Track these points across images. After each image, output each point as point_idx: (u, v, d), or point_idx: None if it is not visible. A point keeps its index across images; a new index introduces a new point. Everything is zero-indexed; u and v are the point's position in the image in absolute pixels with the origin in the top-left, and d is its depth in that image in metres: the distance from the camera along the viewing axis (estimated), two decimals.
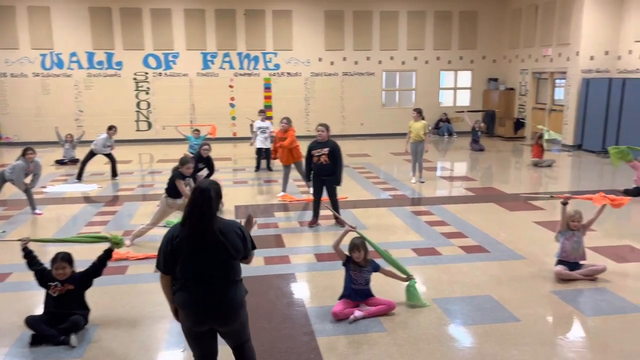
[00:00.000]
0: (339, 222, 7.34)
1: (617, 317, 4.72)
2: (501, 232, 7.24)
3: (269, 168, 11.90)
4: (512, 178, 11.80)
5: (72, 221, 7.92)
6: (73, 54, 16.27)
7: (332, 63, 17.49)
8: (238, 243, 3.22)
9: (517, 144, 16.06)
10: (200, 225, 3.07)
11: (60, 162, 12.86)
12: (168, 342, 4.38)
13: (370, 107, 17.86)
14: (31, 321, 4.35)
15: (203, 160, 8.44)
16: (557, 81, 16.01)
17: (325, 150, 7.24)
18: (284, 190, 9.62)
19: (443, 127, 17.90)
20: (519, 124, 17.14)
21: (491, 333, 4.45)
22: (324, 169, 7.29)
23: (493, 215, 8.15)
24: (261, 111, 12.17)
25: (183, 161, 6.76)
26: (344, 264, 4.89)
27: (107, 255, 4.71)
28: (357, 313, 4.68)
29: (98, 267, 4.65)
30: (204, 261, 3.11)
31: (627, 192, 9.26)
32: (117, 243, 4.78)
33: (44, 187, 10.26)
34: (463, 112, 16.95)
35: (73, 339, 4.27)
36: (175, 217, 7.79)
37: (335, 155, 7.27)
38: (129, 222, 7.93)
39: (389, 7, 17.41)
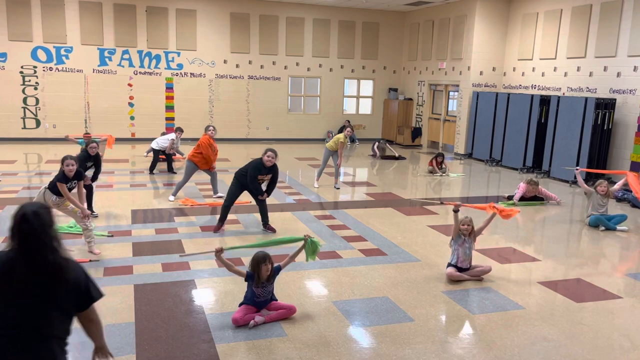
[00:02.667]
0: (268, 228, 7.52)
1: (500, 314, 5.10)
2: (398, 235, 7.56)
3: (171, 170, 11.59)
4: (409, 184, 12.37)
5: None
6: None
7: (237, 66, 17.32)
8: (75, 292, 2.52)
9: (414, 152, 16.87)
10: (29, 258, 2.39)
11: None
12: None
13: (276, 111, 17.90)
14: None
15: (91, 159, 8.06)
16: (451, 93, 17.06)
17: (269, 176, 7.39)
18: (174, 194, 9.28)
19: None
20: (416, 133, 18.03)
21: (387, 333, 4.62)
22: (257, 187, 7.40)
23: (391, 219, 8.49)
24: (178, 129, 12.14)
25: (63, 159, 6.38)
26: (245, 280, 4.78)
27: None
28: (258, 318, 4.65)
29: None
30: (23, 308, 2.38)
31: (510, 198, 10.07)
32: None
33: None
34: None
35: None
36: (66, 223, 7.30)
37: (274, 179, 7.46)
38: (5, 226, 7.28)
39: (295, 13, 17.59)
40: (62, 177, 6.25)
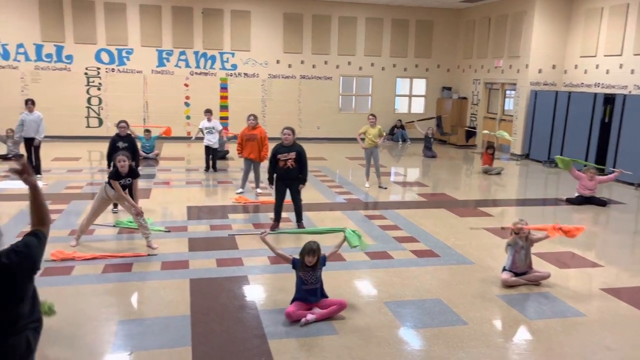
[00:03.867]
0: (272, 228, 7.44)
1: (559, 321, 4.91)
2: (451, 237, 7.41)
3: (214, 168, 11.77)
4: (462, 185, 12.11)
5: (14, 219, 7.57)
6: (20, 46, 15.59)
7: (290, 66, 17.49)
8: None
9: (468, 152, 16.51)
10: None
11: (4, 158, 12.28)
12: (114, 344, 4.25)
13: (327, 111, 17.96)
14: None
15: (123, 139, 8.28)
16: (508, 92, 16.58)
17: (292, 154, 7.19)
18: (242, 187, 9.58)
19: (397, 133, 18.20)
20: (470, 133, 17.65)
21: (440, 336, 4.54)
22: (289, 174, 7.24)
23: (444, 221, 8.33)
24: (207, 111, 12.03)
25: (115, 155, 6.63)
26: (293, 267, 4.89)
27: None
28: (309, 316, 4.68)
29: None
30: None
31: (569, 201, 9.68)
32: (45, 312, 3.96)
33: None
34: (413, 122, 17.34)
35: None
36: (126, 218, 7.59)
37: (301, 159, 7.26)
38: (76, 221, 7.65)
39: (347, 12, 17.57)
40: (114, 174, 6.47)
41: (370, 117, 10.61)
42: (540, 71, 15.00)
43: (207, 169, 11.75)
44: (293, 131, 7.28)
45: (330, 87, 17.93)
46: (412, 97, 19.07)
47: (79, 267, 5.83)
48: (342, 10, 17.53)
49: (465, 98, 18.23)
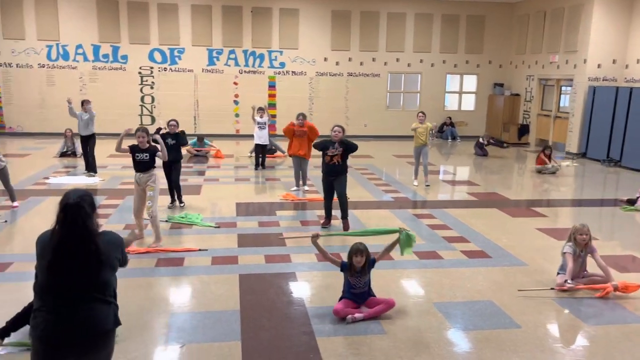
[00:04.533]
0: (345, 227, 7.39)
1: (618, 327, 4.69)
2: (503, 237, 7.20)
3: (262, 166, 11.88)
4: (514, 184, 11.76)
5: None
6: (79, 46, 16.26)
7: (337, 63, 17.47)
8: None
9: (520, 150, 16.02)
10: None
11: (63, 154, 12.84)
12: (167, 336, 4.36)
13: (374, 108, 17.83)
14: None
15: (171, 136, 8.44)
16: (564, 88, 15.97)
17: (340, 150, 7.22)
18: (297, 185, 9.74)
19: (447, 131, 17.87)
20: (523, 130, 17.11)
21: (491, 339, 4.42)
22: (334, 170, 7.27)
23: (495, 221, 8.11)
24: (260, 108, 12.12)
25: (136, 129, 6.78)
26: (341, 270, 4.86)
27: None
28: (357, 315, 4.65)
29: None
30: (69, 272, 2.64)
31: (630, 202, 9.23)
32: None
33: (47, 178, 10.26)
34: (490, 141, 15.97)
35: None
36: (178, 214, 7.77)
37: (348, 152, 7.27)
38: (130, 216, 7.89)
39: (396, 8, 17.38)
40: (133, 146, 6.66)
41: (420, 114, 10.46)
42: (599, 66, 14.36)
43: (256, 166, 11.88)
44: (343, 129, 7.31)
45: (378, 84, 17.80)
46: (462, 94, 18.67)
47: (133, 261, 5.98)
48: (391, 6, 17.35)
49: (517, 95, 17.69)
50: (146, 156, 6.61)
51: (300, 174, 9.76)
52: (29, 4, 15.76)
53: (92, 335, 2.66)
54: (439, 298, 5.23)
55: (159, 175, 6.92)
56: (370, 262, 4.80)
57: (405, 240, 4.93)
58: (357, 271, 4.72)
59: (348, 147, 7.23)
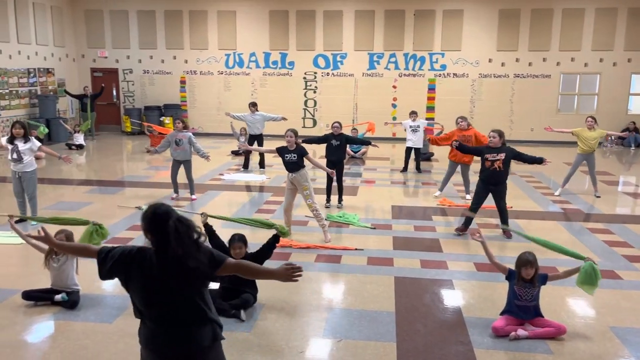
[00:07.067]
0: (506, 234, 7.00)
1: None
2: None
3: (418, 169, 11.72)
4: None
5: (242, 207, 8.63)
6: (252, 54, 17.68)
7: (502, 64, 16.59)
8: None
9: None
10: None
11: (235, 153, 14.07)
12: (325, 330, 4.53)
13: (543, 111, 16.57)
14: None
15: (335, 137, 8.65)
16: None
17: (502, 155, 6.84)
18: (441, 189, 9.43)
19: (630, 137, 15.92)
20: None
21: None
22: (495, 176, 6.89)
23: None
24: (412, 112, 12.06)
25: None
26: (507, 278, 4.59)
27: (274, 240, 5.02)
28: (521, 332, 4.35)
29: (267, 251, 4.98)
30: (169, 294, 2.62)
31: None
32: (283, 233, 5.08)
33: (221, 174, 11.35)
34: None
35: (243, 314, 4.65)
36: (336, 212, 8.02)
37: (510, 159, 6.90)
38: (293, 212, 8.36)
39: (573, 4, 15.95)
40: (280, 147, 6.92)
41: (589, 119, 9.52)
42: None
43: (404, 169, 11.80)
44: (501, 134, 6.92)
45: (548, 86, 16.51)
46: None
47: (294, 255, 6.37)
48: (567, 2, 15.97)
49: None
50: (294, 157, 6.81)
51: (462, 182, 9.41)
52: (213, 17, 17.55)
53: (189, 350, 2.65)
54: (617, 322, 4.68)
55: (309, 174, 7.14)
56: (540, 277, 4.47)
57: (588, 274, 4.34)
58: (525, 281, 4.43)
59: (510, 154, 6.87)
